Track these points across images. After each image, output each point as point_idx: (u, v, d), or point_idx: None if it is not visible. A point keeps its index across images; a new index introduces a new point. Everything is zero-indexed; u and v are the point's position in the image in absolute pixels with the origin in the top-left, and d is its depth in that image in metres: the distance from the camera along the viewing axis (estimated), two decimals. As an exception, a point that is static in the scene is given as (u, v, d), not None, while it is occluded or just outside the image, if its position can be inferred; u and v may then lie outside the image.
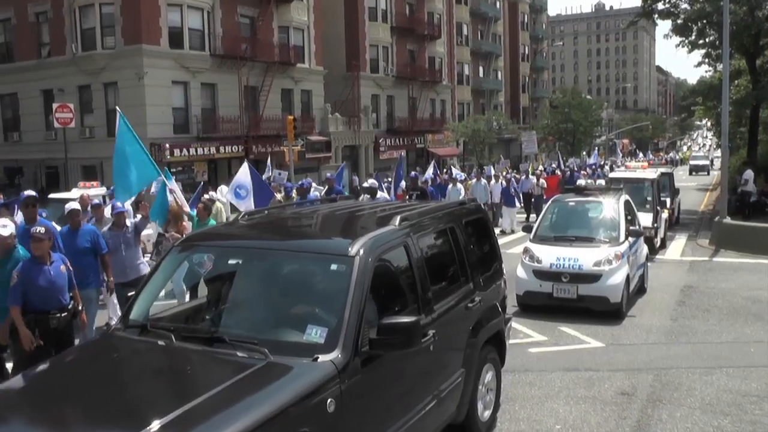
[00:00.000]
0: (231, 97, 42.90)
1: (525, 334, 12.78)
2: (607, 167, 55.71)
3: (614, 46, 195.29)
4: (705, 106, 50.19)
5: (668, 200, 26.60)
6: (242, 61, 42.69)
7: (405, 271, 6.76)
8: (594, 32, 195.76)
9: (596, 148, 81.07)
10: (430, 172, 34.32)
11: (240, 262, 6.76)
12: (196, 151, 39.89)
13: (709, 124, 75.58)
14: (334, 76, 52.74)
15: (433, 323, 6.80)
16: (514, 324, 13.35)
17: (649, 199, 22.37)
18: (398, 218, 6.96)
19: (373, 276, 6.06)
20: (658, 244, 22.31)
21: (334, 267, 6.11)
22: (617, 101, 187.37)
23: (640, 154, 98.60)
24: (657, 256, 21.49)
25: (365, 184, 19.78)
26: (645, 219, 20.25)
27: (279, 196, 18.29)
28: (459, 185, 28.78)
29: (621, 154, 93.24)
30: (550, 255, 14.06)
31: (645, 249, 16.49)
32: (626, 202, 15.88)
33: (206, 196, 18.93)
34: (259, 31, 44.91)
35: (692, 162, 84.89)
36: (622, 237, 14.46)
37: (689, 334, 12.80)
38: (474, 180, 30.68)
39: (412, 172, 23.60)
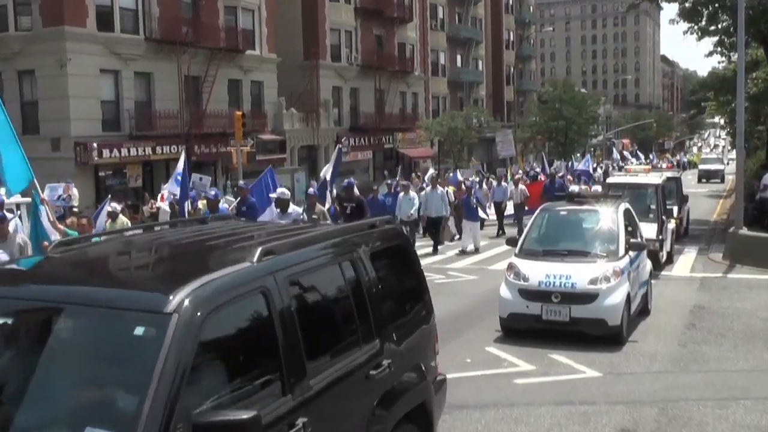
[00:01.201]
0: (169, 88, 42.63)
1: (509, 363, 12.72)
2: (600, 171, 55.89)
3: (612, 32, 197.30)
4: (717, 102, 50.77)
5: (675, 209, 26.77)
6: (182, 47, 42.44)
7: (262, 331, 5.42)
8: (589, 16, 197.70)
9: (591, 150, 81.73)
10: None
11: (8, 321, 5.31)
12: (129, 151, 39.53)
13: (722, 122, 76.20)
14: (290, 65, 52.63)
15: (307, 407, 5.47)
16: (496, 351, 13.31)
17: (653, 207, 22.57)
18: (258, 251, 5.63)
19: (204, 342, 4.81)
20: (664, 258, 22.46)
21: (139, 331, 4.77)
22: (616, 96, 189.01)
23: (641, 157, 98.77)
24: (663, 273, 21.57)
25: (272, 194, 18.89)
26: (648, 230, 20.37)
27: (202, 204, 17.88)
28: (412, 194, 27.89)
29: (618, 156, 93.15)
30: (538, 272, 14.01)
31: (648, 264, 16.55)
32: (626, 211, 15.97)
33: (109, 208, 18.75)
34: (202, 12, 44.71)
35: (702, 166, 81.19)
36: (622, 251, 14.47)
37: (700, 361, 12.82)
38: (428, 188, 28.63)
39: (346, 180, 22.49)
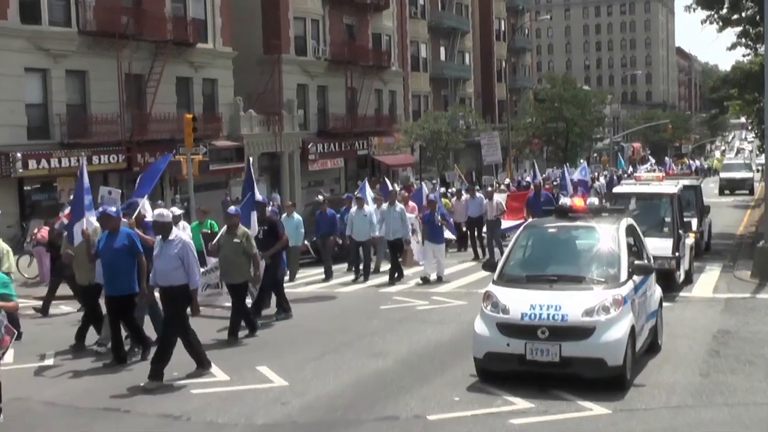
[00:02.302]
0: (108, 89, 42.50)
1: (504, 400, 12.53)
2: (602, 181, 55.47)
3: (620, 21, 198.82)
4: (743, 100, 51.00)
5: (694, 221, 26.86)
6: (122, 41, 42.33)
7: None
8: (592, 2, 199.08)
9: (596, 155, 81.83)
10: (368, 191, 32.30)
11: None
12: (60, 162, 39.30)
13: (748, 122, 75.93)
14: (248, 60, 52.58)
15: None
16: (489, 387, 13.12)
17: (668, 220, 22.70)
18: None
19: None
20: (682, 278, 22.46)
21: None
22: (624, 93, 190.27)
23: (650, 161, 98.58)
24: (681, 294, 21.60)
25: (147, 218, 17.66)
26: (663, 246, 20.45)
27: (127, 221, 16.93)
28: (368, 209, 27.48)
29: (624, 163, 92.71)
30: (521, 302, 13.20)
31: (658, 291, 15.91)
32: (630, 228, 15.41)
33: None
34: (145, 0, 44.57)
35: (725, 174, 75.24)
36: (624, 275, 13.71)
37: (726, 393, 12.75)
38: (385, 204, 27.61)
39: (260, 195, 21.73)
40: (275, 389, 13.64)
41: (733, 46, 38.66)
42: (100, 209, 16.19)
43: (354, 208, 27.63)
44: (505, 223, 31.97)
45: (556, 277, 13.73)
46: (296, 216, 27.04)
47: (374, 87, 66.59)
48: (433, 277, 26.00)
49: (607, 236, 14.56)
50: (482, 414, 11.92)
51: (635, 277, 14.02)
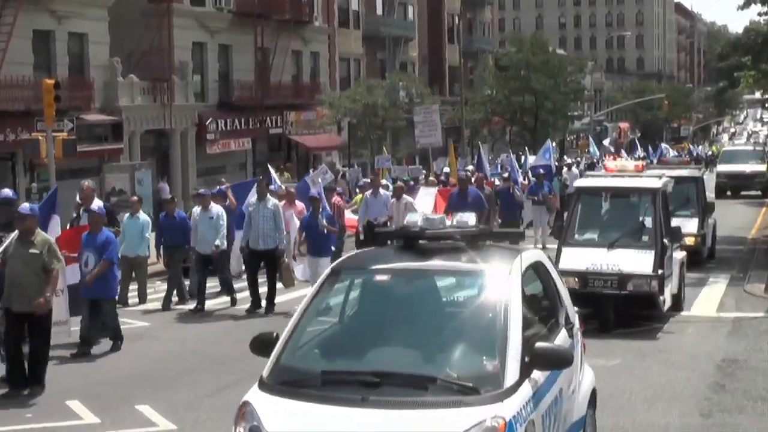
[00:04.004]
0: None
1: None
2: (575, 170, 55.33)
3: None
4: (757, 70, 51.55)
5: (694, 222, 27.33)
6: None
7: None
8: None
9: (571, 138, 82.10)
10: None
11: None
12: None
13: (765, 98, 76.07)
14: (129, 10, 52.10)
15: None
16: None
17: (648, 226, 21.68)
18: None
19: None
20: (668, 304, 21.32)
21: None
22: (609, 60, 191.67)
23: (638, 148, 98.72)
24: (682, 313, 21.86)
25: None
26: (641, 261, 20.21)
27: None
28: (215, 210, 25.37)
29: (606, 147, 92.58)
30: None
31: (587, 379, 11.89)
32: (535, 269, 11.30)
33: None
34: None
35: (724, 167, 67.07)
36: (512, 373, 9.35)
37: (732, 438, 12.88)
38: (252, 200, 26.13)
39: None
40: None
41: (747, 4, 39.03)
42: None
43: (197, 209, 25.95)
44: None
45: (377, 378, 9.46)
46: (142, 216, 26.05)
47: (291, 47, 66.26)
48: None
49: (488, 292, 10.51)
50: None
51: (537, 375, 9.79)
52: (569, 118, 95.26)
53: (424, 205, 31.52)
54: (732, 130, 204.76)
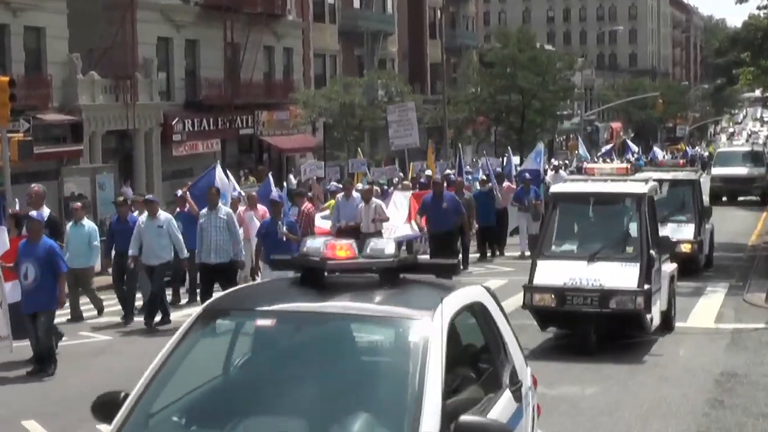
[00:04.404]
0: None
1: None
2: (563, 173, 55.25)
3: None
4: (757, 67, 51.67)
5: (690, 227, 27.62)
6: None
7: None
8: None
9: (560, 139, 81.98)
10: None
11: None
12: None
13: (766, 97, 76.02)
14: (88, 3, 52.00)
15: None
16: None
17: (634, 235, 20.86)
18: None
19: None
20: (656, 322, 20.55)
21: None
22: (600, 56, 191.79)
23: (631, 149, 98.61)
24: (678, 324, 21.82)
25: None
26: (625, 276, 19.30)
27: None
28: (163, 215, 24.83)
29: (595, 148, 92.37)
30: None
31: None
32: (475, 310, 9.61)
33: None
34: None
35: (719, 170, 64.12)
36: None
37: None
38: (204, 211, 25.18)
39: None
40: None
41: (746, -4, 39.07)
42: None
43: (143, 216, 25.08)
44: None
45: None
46: (88, 224, 25.87)
47: (263, 43, 66.16)
48: None
49: (402, 346, 8.69)
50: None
51: None
52: (558, 118, 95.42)
53: (398, 209, 31.48)
54: (730, 129, 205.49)
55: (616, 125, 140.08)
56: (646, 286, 19.30)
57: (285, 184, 47.77)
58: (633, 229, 20.76)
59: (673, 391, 16.12)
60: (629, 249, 20.37)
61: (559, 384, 16.41)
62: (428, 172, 47.68)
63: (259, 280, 24.27)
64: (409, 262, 9.39)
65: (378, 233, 28.19)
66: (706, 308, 24.23)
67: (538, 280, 19.99)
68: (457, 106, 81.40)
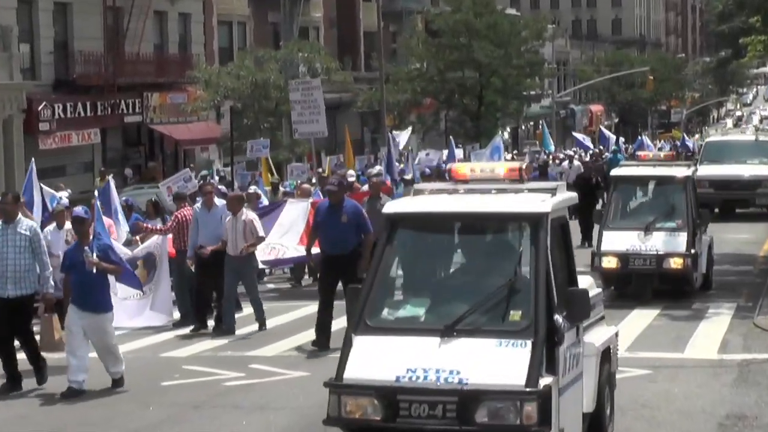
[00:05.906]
0: None
1: None
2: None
3: None
4: (768, 35, 52.11)
5: (683, 236, 28.89)
6: None
7: None
8: None
9: (526, 127, 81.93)
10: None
11: None
12: None
13: None
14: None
15: None
16: None
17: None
18: None
19: None
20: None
21: None
22: (576, 23, 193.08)
23: (611, 138, 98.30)
24: (673, 355, 22.20)
25: None
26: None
27: None
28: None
29: (551, 143, 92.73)
30: None
31: None
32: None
33: None
34: None
35: (710, 169, 52.29)
36: None
37: None
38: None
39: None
40: None
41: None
42: None
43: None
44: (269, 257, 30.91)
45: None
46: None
47: (153, 7, 66.69)
48: None
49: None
50: None
51: None
52: (524, 100, 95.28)
53: (287, 228, 30.78)
54: (738, 113, 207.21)
55: (597, 108, 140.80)
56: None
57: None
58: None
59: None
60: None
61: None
62: (351, 172, 45.71)
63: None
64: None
65: (248, 257, 27.24)
66: (708, 335, 24.48)
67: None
68: (398, 85, 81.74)
